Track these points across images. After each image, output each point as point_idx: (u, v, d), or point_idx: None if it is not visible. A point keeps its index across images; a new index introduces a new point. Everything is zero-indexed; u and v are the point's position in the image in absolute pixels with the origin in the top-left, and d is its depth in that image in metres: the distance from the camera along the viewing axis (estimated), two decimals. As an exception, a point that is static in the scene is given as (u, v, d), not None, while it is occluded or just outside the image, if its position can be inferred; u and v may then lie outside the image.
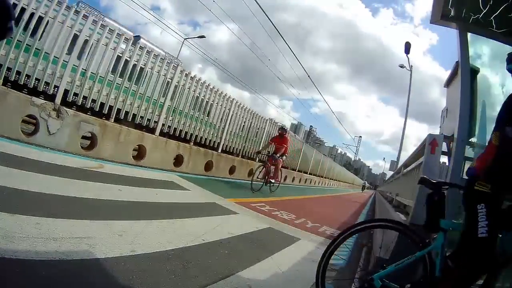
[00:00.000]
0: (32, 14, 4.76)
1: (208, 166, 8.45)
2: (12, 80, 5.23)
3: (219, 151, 9.13)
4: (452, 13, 2.75)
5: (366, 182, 46.47)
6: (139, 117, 6.86)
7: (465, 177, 2.52)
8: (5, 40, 4.47)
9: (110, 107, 6.07)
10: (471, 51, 2.81)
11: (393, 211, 3.89)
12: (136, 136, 6.22)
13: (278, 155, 8.43)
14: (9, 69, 4.80)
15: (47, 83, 5.23)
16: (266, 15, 12.37)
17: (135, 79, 6.38)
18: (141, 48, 6.48)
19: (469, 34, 2.79)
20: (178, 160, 7.41)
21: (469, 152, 2.62)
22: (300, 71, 19.68)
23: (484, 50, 3.01)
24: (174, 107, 7.50)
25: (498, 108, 1.57)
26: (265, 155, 8.94)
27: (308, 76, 19.61)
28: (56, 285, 1.53)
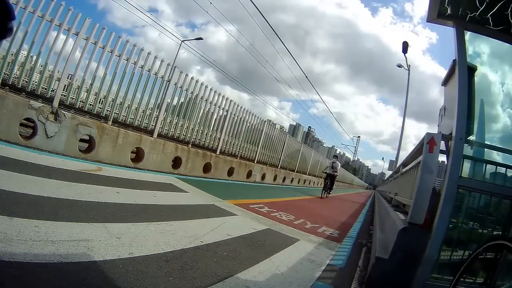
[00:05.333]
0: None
1: (207, 168, 8.44)
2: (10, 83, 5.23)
3: (218, 152, 9.12)
4: (448, 11, 2.75)
5: (338, 164, 13.25)
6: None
7: (464, 176, 2.53)
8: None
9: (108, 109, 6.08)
10: (470, 50, 2.81)
11: (392, 211, 3.89)
12: (134, 139, 6.20)
13: None
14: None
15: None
16: (263, 16, 12.37)
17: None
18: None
19: (468, 33, 2.79)
20: (177, 162, 7.40)
21: (467, 150, 2.61)
22: (299, 72, 19.72)
23: (483, 49, 3.01)
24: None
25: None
26: None
27: (306, 77, 19.63)
28: (54, 288, 1.52)
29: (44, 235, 1.98)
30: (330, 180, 12.71)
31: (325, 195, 12.59)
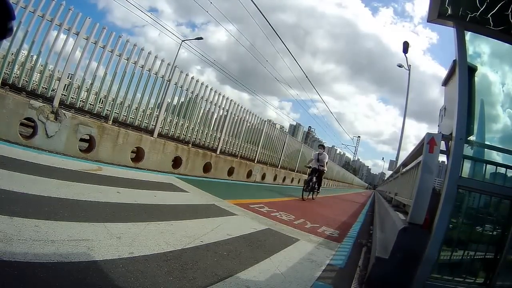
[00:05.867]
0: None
1: (207, 168, 8.44)
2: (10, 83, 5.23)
3: (218, 152, 9.12)
4: (449, 12, 2.75)
5: (325, 156, 10.16)
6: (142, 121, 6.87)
7: (464, 176, 2.53)
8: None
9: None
10: (470, 50, 2.81)
11: (392, 211, 3.89)
12: (134, 138, 6.21)
13: None
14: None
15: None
16: (264, 16, 12.37)
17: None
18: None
19: (468, 33, 2.78)
20: (177, 162, 7.40)
21: (467, 150, 2.61)
22: (299, 72, 19.73)
23: (483, 49, 3.01)
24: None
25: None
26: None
27: (306, 77, 19.63)
28: (53, 288, 1.52)
29: (44, 235, 1.99)
30: (316, 176, 9.60)
31: (309, 196, 9.62)
